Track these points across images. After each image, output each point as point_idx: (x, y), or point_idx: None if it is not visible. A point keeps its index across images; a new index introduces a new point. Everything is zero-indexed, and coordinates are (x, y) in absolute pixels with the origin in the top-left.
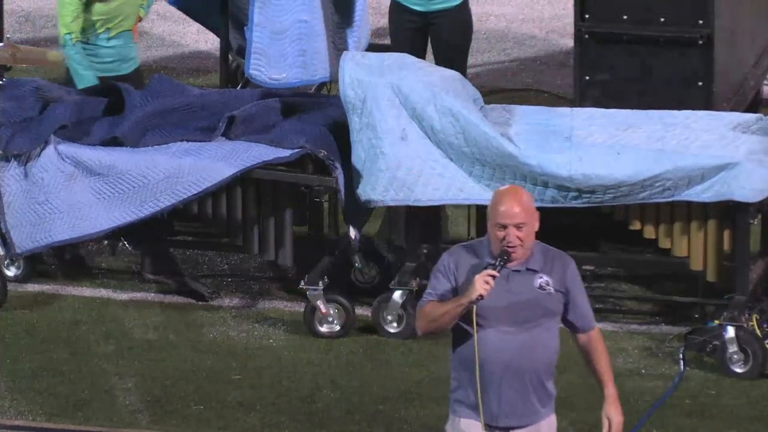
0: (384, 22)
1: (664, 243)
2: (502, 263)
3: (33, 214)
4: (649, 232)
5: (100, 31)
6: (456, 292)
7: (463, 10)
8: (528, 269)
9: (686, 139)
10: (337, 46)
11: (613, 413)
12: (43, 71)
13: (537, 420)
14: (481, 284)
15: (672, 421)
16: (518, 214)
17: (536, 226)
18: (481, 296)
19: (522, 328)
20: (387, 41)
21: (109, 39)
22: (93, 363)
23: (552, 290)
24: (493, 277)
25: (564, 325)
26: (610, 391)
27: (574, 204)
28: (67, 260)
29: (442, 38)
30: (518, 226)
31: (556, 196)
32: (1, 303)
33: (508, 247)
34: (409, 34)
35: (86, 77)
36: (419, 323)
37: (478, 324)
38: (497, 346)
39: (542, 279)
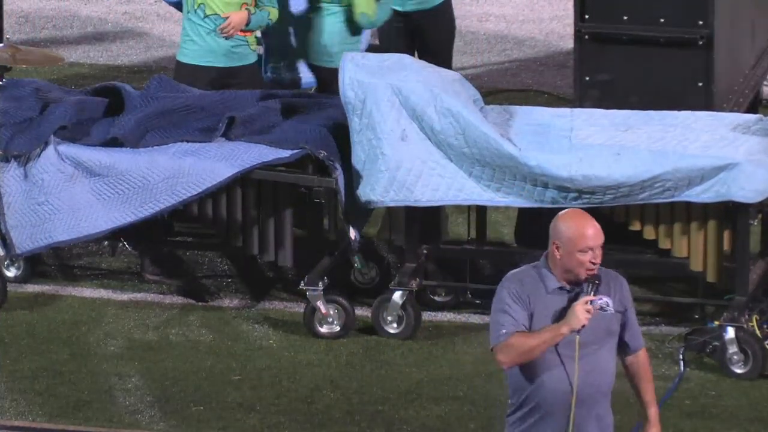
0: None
1: (664, 244)
2: (594, 289)
3: (33, 215)
4: (649, 233)
5: None
6: (532, 318)
7: (444, 10)
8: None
9: (686, 139)
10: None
11: None
12: (43, 72)
13: None
14: (584, 314)
15: (672, 422)
16: (600, 234)
17: None
18: (584, 326)
19: (592, 352)
20: None
21: None
22: (93, 363)
23: (612, 311)
24: (590, 303)
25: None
26: (653, 412)
27: (574, 205)
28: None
29: (423, 39)
30: (601, 247)
31: (556, 196)
32: (1, 303)
33: (591, 271)
34: (393, 33)
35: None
36: (508, 356)
37: (558, 353)
38: (563, 371)
39: (601, 300)
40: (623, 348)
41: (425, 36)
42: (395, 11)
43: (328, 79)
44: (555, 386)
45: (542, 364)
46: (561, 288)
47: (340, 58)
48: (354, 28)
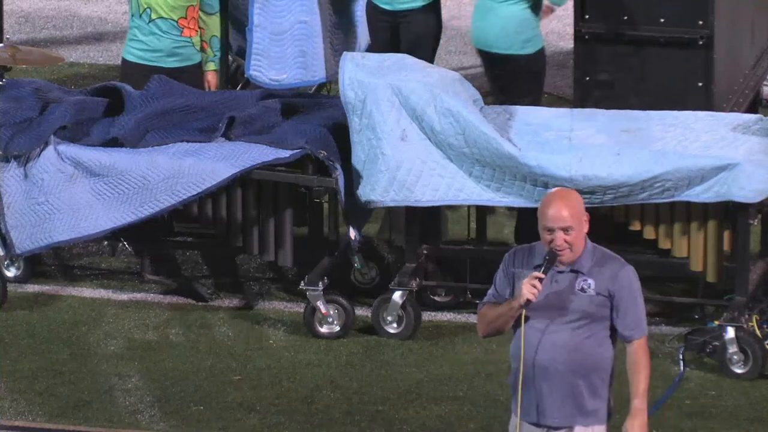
0: None
1: (664, 244)
2: (548, 265)
3: (33, 215)
4: (649, 233)
5: None
6: (513, 290)
7: (432, 10)
8: (572, 270)
9: (686, 139)
10: (336, 47)
11: (629, 426)
12: (43, 72)
13: (573, 424)
14: (528, 288)
15: (672, 422)
16: (565, 218)
17: (585, 228)
18: (529, 300)
19: (562, 329)
20: None
21: None
22: (93, 363)
23: (593, 293)
24: (540, 279)
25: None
26: (635, 404)
27: None
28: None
29: (408, 38)
30: (565, 230)
31: None
32: (1, 303)
33: (557, 250)
34: (382, 33)
35: None
36: (479, 325)
37: (525, 321)
38: (535, 345)
39: (585, 281)
40: (617, 335)
41: (408, 33)
42: (384, 11)
43: (498, 65)
44: (522, 358)
45: (517, 337)
46: (537, 264)
47: (515, 44)
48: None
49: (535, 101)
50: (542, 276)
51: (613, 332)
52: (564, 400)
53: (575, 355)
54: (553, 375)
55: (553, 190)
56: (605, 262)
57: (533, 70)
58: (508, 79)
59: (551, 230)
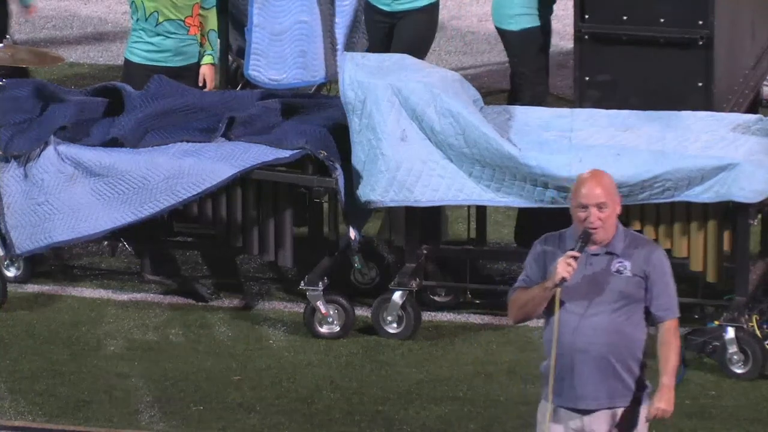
0: None
1: (664, 244)
2: (583, 244)
3: (33, 215)
4: (649, 233)
5: None
6: (546, 276)
7: (430, 12)
8: (607, 253)
9: (686, 139)
10: (336, 47)
11: (656, 400)
12: (43, 72)
13: (612, 406)
14: (563, 267)
15: (672, 422)
16: (599, 194)
17: (618, 209)
18: (564, 279)
19: (601, 312)
20: None
21: None
22: (93, 364)
23: (629, 274)
24: (575, 258)
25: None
26: (664, 381)
27: None
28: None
29: (400, 37)
30: (599, 207)
31: (556, 196)
32: (1, 304)
33: (590, 228)
34: (380, 33)
35: None
36: (510, 311)
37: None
38: (573, 329)
39: (620, 263)
40: (650, 316)
41: (402, 33)
42: (381, 11)
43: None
44: (559, 343)
45: (551, 322)
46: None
47: (504, 19)
48: None
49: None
50: (577, 254)
51: (647, 313)
52: (603, 383)
53: (615, 338)
54: (592, 358)
55: (587, 171)
56: (638, 244)
57: (517, 48)
58: (507, 54)
59: (585, 207)
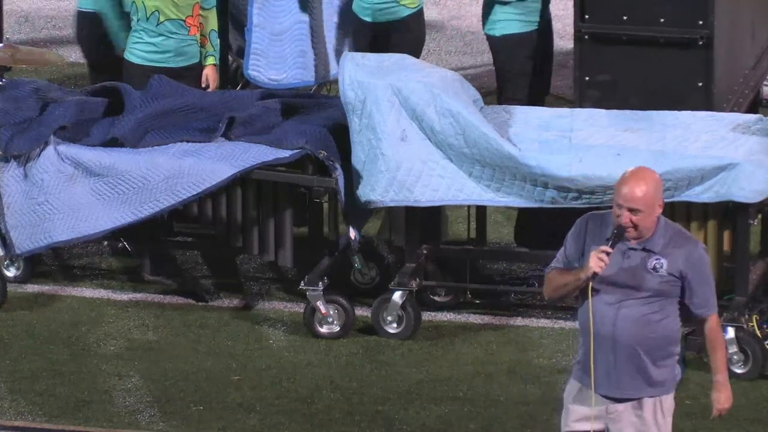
0: None
1: None
2: (615, 240)
3: (33, 215)
4: None
5: None
6: (583, 256)
7: (414, 23)
8: (645, 249)
9: (686, 139)
10: (336, 47)
11: (716, 397)
12: (43, 72)
13: (642, 395)
14: (596, 262)
15: (672, 422)
16: (636, 200)
17: (657, 212)
18: (595, 273)
19: (634, 304)
20: None
21: None
22: (93, 364)
23: (665, 273)
24: (607, 253)
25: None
26: (718, 378)
27: (574, 205)
28: (66, 261)
29: (387, 50)
30: (633, 211)
31: (556, 196)
32: (1, 304)
33: (623, 226)
34: (364, 43)
35: None
36: (545, 288)
37: (593, 293)
38: (605, 318)
39: (657, 261)
40: (687, 312)
41: (391, 48)
42: (365, 22)
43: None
44: (590, 330)
45: (585, 309)
46: (607, 237)
47: (488, 23)
48: None
49: (507, 93)
50: (609, 250)
51: (682, 306)
52: (634, 373)
53: (646, 330)
54: (623, 348)
55: (635, 168)
56: (678, 242)
57: (498, 54)
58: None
59: (620, 206)
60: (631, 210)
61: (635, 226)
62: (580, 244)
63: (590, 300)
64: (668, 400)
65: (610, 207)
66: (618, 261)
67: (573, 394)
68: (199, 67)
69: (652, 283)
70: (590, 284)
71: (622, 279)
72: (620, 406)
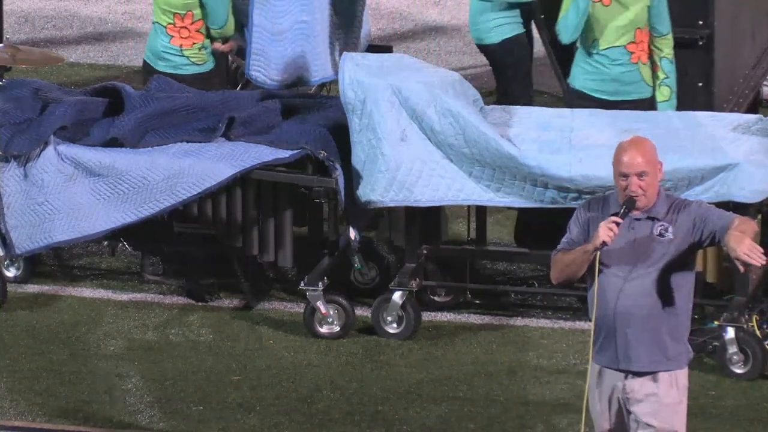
0: (383, 23)
1: None
2: (627, 210)
3: (33, 215)
4: None
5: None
6: (589, 235)
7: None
8: (649, 217)
9: (686, 140)
10: (337, 48)
11: (731, 243)
12: (43, 72)
13: (657, 369)
14: (605, 231)
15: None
16: (640, 163)
17: (659, 176)
18: (605, 243)
19: (644, 275)
20: (386, 42)
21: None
22: (93, 364)
23: (671, 236)
24: (617, 224)
25: (720, 243)
26: (731, 232)
27: (574, 205)
28: (66, 261)
29: None
30: (640, 175)
31: (556, 196)
32: (1, 304)
33: (632, 195)
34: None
35: None
36: (552, 272)
37: (600, 270)
38: (617, 291)
39: (662, 226)
40: (720, 234)
41: None
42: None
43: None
44: (604, 305)
45: (597, 284)
46: (617, 212)
47: (483, 33)
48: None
49: (513, 95)
50: (619, 220)
51: (693, 280)
52: (649, 346)
53: (658, 302)
54: (636, 321)
55: (628, 138)
56: (679, 207)
57: (501, 60)
58: (493, 70)
59: (626, 176)
60: (638, 174)
61: (644, 192)
62: (585, 227)
63: (596, 271)
64: (683, 376)
65: None
66: (624, 234)
67: (594, 378)
68: (189, 79)
69: (661, 250)
70: (597, 256)
71: (630, 250)
72: (636, 384)
